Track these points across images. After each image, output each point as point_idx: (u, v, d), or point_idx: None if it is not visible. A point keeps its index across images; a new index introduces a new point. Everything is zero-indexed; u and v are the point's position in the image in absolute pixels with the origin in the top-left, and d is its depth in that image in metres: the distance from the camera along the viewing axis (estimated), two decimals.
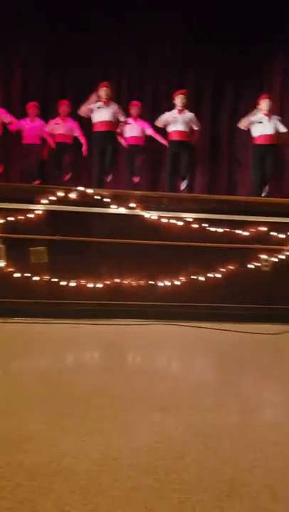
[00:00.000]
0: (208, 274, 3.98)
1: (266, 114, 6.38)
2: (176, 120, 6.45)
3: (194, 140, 6.69)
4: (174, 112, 6.51)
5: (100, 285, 3.93)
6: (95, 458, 1.64)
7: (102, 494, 1.43)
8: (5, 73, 7.87)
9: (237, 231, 3.98)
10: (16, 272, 3.86)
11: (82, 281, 3.92)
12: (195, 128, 6.62)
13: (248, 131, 6.56)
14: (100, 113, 6.31)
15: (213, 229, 3.97)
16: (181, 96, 6.49)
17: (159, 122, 6.57)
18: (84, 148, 6.79)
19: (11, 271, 3.87)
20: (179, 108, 6.46)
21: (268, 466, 1.64)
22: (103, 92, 6.29)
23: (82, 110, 6.35)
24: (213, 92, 8.27)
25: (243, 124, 6.54)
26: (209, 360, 2.99)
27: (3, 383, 2.36)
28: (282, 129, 6.44)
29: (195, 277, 3.98)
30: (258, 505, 1.41)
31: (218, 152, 8.36)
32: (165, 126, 6.57)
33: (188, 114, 6.55)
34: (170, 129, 6.49)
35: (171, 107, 6.59)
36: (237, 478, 1.56)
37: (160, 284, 3.96)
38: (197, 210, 3.99)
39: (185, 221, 3.97)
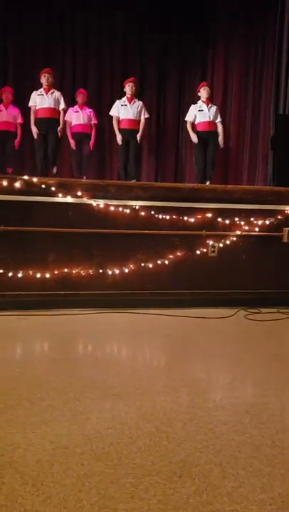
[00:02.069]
0: (157, 261, 4.02)
1: (205, 102, 6.50)
2: (127, 109, 6.45)
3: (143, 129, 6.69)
4: (124, 100, 6.50)
5: (47, 275, 3.86)
6: (47, 448, 1.62)
7: (54, 484, 1.42)
8: None
9: (184, 218, 4.03)
10: None
11: (30, 272, 3.83)
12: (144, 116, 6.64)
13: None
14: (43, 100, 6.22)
15: (160, 216, 4.00)
16: (131, 84, 6.48)
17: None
18: (17, 140, 6.67)
19: None
20: (128, 96, 6.45)
21: (218, 445, 1.69)
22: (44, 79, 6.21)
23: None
24: (158, 81, 8.30)
25: (189, 117, 6.64)
26: (157, 345, 3.03)
27: None
28: (219, 118, 6.63)
29: (143, 264, 4.00)
30: (209, 483, 1.46)
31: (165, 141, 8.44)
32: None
33: (138, 103, 6.55)
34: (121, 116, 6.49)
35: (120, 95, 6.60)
36: (188, 459, 1.59)
37: (108, 272, 3.95)
38: (145, 198, 3.99)
39: (133, 209, 3.97)
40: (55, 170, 6.48)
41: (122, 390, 2.17)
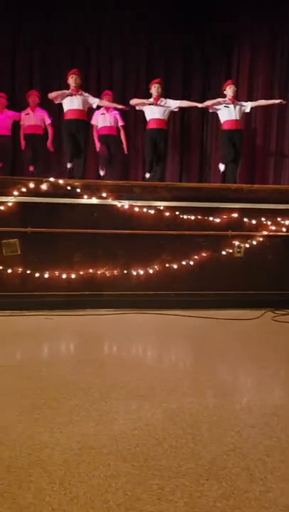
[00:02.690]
0: (182, 262, 4.00)
1: (231, 100, 6.43)
2: (152, 109, 6.43)
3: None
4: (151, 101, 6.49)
5: (73, 276, 3.89)
6: (73, 448, 1.64)
7: (81, 483, 1.42)
8: None
9: (210, 218, 4.00)
10: None
11: (56, 273, 3.87)
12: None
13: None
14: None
15: (185, 216, 3.98)
16: (157, 85, 6.47)
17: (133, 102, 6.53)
18: (49, 141, 6.74)
19: None
20: (155, 96, 6.44)
21: (245, 449, 1.67)
22: (72, 80, 6.22)
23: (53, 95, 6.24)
24: (184, 81, 8.29)
25: (207, 103, 6.58)
26: (183, 346, 3.01)
27: None
28: (247, 109, 6.57)
29: (168, 265, 3.99)
30: (236, 486, 1.44)
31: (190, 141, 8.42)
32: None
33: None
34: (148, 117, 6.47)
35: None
36: (215, 461, 1.58)
37: (133, 272, 3.96)
38: (170, 198, 3.98)
39: (157, 209, 3.97)
40: (69, 165, 6.45)
41: (147, 391, 2.17)
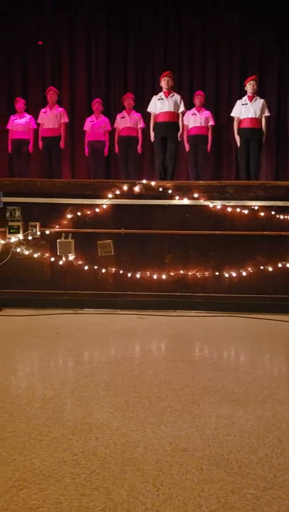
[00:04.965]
0: (278, 264, 3.85)
1: (249, 97, 6.16)
2: (248, 108, 6.30)
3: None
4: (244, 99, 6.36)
5: (164, 276, 3.92)
6: (166, 449, 1.63)
7: (174, 486, 1.42)
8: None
9: None
10: (84, 264, 3.95)
11: (147, 273, 3.93)
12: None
13: None
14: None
15: (282, 216, 3.83)
16: (253, 82, 6.32)
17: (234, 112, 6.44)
18: (139, 145, 6.85)
19: (80, 264, 3.96)
20: (250, 95, 6.30)
21: None
22: (164, 82, 6.24)
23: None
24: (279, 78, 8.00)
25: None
26: (278, 352, 2.89)
27: (72, 372, 2.42)
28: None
29: (262, 267, 3.86)
30: None
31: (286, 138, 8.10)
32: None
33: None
34: (242, 116, 6.35)
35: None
36: None
37: (225, 274, 3.88)
38: (265, 198, 3.85)
39: (251, 209, 3.85)
40: (158, 167, 6.48)
41: (241, 396, 2.11)
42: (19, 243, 3.97)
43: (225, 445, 1.67)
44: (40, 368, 2.49)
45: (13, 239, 3.96)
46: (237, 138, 6.40)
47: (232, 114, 6.47)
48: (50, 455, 1.57)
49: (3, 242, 3.97)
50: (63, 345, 2.94)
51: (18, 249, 3.97)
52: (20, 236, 3.95)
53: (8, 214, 3.95)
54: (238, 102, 6.45)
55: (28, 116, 7.00)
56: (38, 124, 6.88)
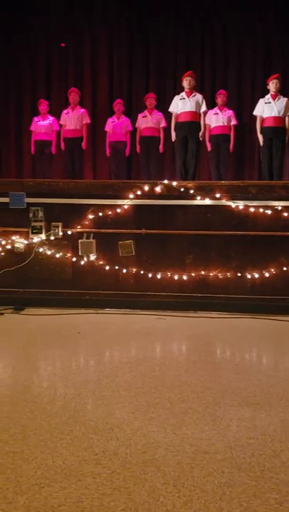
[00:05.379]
0: None
1: (273, 96, 6.05)
2: (271, 106, 6.23)
3: None
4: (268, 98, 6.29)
5: (185, 277, 3.90)
6: (187, 451, 1.62)
7: (195, 488, 1.41)
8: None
9: None
10: (105, 264, 3.97)
11: (168, 274, 3.92)
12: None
13: None
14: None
15: None
16: (276, 80, 6.24)
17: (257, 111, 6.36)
18: (161, 145, 6.83)
19: (101, 264, 3.97)
20: (273, 93, 6.23)
21: None
22: (186, 82, 6.22)
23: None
24: None
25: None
26: None
27: (93, 372, 2.43)
28: None
29: (286, 269, 3.81)
30: None
31: None
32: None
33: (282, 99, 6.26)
34: (265, 115, 6.27)
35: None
36: None
37: (247, 276, 3.85)
38: (288, 198, 3.80)
39: (275, 209, 3.81)
40: (180, 167, 6.45)
41: (263, 399, 2.08)
42: (42, 243, 4.01)
43: (247, 448, 1.65)
44: (61, 367, 2.51)
45: (36, 239, 4.00)
46: (260, 137, 6.32)
47: (255, 113, 6.39)
48: (71, 454, 1.58)
49: (26, 242, 4.02)
50: (84, 345, 2.96)
51: (41, 249, 4.01)
52: (43, 236, 3.99)
53: (31, 214, 4.00)
54: (261, 101, 6.37)
55: (50, 118, 7.06)
56: (61, 126, 6.94)
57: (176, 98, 6.33)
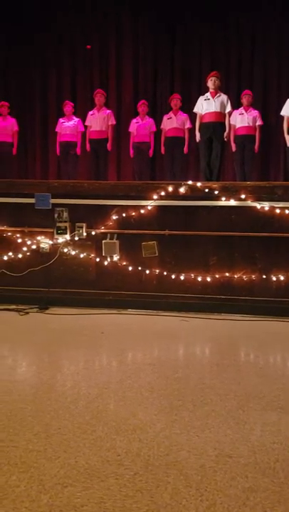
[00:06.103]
0: None
1: None
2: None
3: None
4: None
5: (208, 279, 3.88)
6: (210, 454, 1.61)
7: (218, 492, 1.39)
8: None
9: None
10: (129, 265, 3.97)
11: (191, 275, 3.90)
12: None
13: None
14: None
15: None
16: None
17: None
18: (185, 146, 6.80)
19: (124, 265, 3.98)
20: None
21: None
22: (211, 82, 6.18)
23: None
24: None
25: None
26: None
27: (116, 372, 2.44)
28: None
29: None
30: None
31: None
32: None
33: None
34: None
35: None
36: None
37: (273, 278, 3.80)
38: None
39: None
40: (203, 167, 6.40)
41: (287, 403, 2.05)
42: (66, 243, 4.05)
43: (271, 453, 1.63)
44: (85, 367, 2.52)
45: (61, 239, 4.04)
46: (287, 137, 6.23)
47: (282, 113, 6.30)
48: (94, 454, 1.59)
49: (51, 242, 4.06)
50: (107, 345, 2.97)
51: (66, 250, 4.05)
52: (68, 237, 4.03)
53: (56, 215, 4.04)
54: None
55: (76, 119, 7.11)
56: (86, 127, 6.98)
57: (201, 99, 6.29)
